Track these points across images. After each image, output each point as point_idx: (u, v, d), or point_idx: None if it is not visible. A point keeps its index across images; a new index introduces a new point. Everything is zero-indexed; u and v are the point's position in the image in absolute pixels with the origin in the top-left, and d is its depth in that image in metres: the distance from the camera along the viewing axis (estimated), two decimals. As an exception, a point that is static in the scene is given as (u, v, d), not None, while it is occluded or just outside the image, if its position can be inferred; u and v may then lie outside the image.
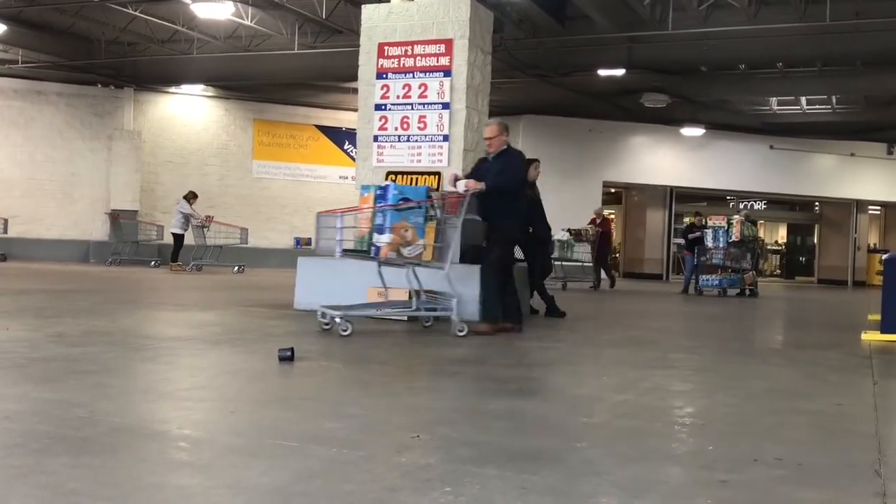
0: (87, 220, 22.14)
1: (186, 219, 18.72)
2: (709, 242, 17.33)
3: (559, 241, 15.35)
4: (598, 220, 19.39)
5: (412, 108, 9.67)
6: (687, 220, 21.20)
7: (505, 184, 7.60)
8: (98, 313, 8.43)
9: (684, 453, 3.45)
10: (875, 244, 30.02)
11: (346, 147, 23.67)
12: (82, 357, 5.40)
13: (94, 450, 3.10)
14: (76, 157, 22.15)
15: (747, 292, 17.10)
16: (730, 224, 17.25)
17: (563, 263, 16.78)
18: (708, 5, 14.62)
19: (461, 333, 7.08)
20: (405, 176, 9.63)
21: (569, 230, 16.35)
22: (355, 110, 10.40)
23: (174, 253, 18.77)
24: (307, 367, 5.37)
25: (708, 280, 17.30)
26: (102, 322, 7.63)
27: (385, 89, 9.79)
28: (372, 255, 7.23)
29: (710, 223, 17.91)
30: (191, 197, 19.08)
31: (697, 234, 18.21)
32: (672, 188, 26.46)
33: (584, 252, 17.60)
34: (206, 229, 18.75)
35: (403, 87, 9.71)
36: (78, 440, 3.23)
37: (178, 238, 18.81)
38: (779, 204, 32.14)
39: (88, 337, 6.48)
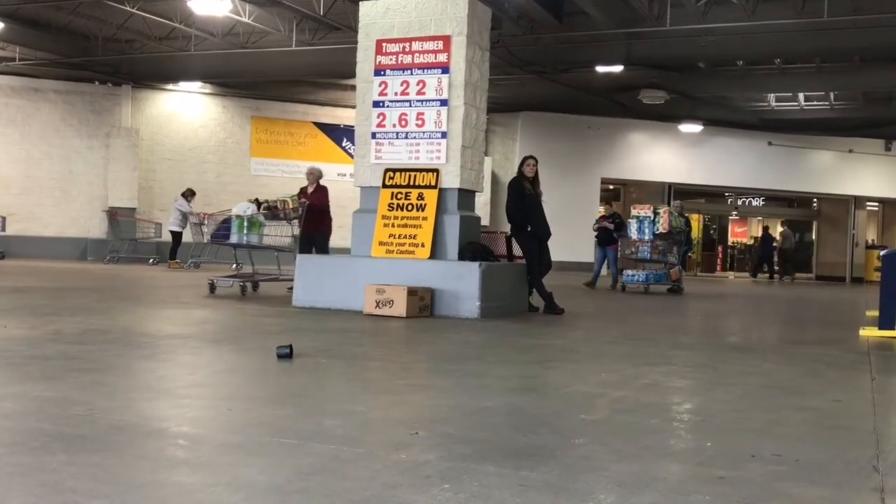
0: (84, 217, 22.12)
1: (184, 216, 18.71)
2: (633, 234, 15.74)
3: (237, 217, 11.34)
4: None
5: (410, 105, 9.67)
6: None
7: None
8: (96, 311, 8.43)
9: (682, 450, 3.46)
10: (873, 240, 30.05)
11: (344, 144, 23.65)
12: (80, 355, 5.40)
13: (92, 448, 3.10)
14: (74, 155, 22.12)
15: (674, 288, 15.61)
16: (656, 214, 15.65)
17: (250, 250, 12.16)
18: (706, 2, 14.62)
19: None
20: (404, 173, 9.64)
21: (256, 200, 11.67)
22: (353, 107, 10.39)
23: (172, 250, 18.78)
24: (305, 364, 5.37)
25: (633, 276, 15.90)
26: (100, 320, 7.62)
27: (383, 86, 9.79)
28: None
29: (633, 213, 16.12)
30: (189, 194, 19.10)
31: (603, 224, 17.15)
32: (670, 185, 26.47)
33: (281, 235, 11.68)
34: (203, 226, 18.70)
35: (401, 84, 9.71)
36: (76, 438, 3.23)
37: (177, 235, 18.82)
38: (777, 200, 32.19)
39: (86, 335, 6.48)
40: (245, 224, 11.26)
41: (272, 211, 11.39)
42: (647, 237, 15.44)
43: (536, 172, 10.12)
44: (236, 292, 11.18)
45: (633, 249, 15.80)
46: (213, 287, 11.11)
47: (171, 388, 4.56)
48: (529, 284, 10.04)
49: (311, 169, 13.02)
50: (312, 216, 11.72)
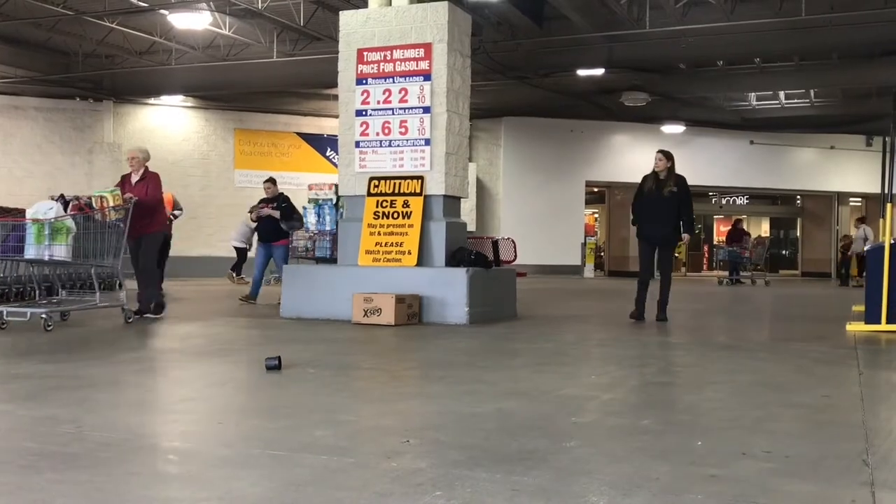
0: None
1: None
2: (310, 224, 11.41)
3: (34, 221, 7.94)
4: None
5: (393, 113, 9.67)
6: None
7: None
8: (83, 327, 8.37)
9: (673, 449, 3.46)
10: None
11: (328, 154, 23.64)
12: (68, 372, 5.36)
13: (81, 465, 3.08)
14: (56, 172, 21.97)
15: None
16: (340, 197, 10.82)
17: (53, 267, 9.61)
18: (685, 3, 14.70)
19: None
20: (388, 181, 9.63)
21: (62, 197, 8.39)
22: (336, 117, 10.39)
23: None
24: (294, 375, 5.35)
25: None
26: (87, 336, 7.57)
27: (365, 95, 9.79)
28: None
29: (310, 195, 11.62)
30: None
31: (263, 211, 11.97)
32: (654, 185, 26.54)
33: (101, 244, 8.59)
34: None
35: (384, 93, 9.71)
36: (65, 456, 3.21)
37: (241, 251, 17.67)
38: (761, 198, 32.36)
39: (74, 352, 6.44)
40: (46, 231, 7.86)
41: (83, 211, 8.22)
42: (328, 227, 11.12)
43: (669, 168, 9.93)
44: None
45: (309, 245, 11.23)
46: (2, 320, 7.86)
47: (159, 403, 4.54)
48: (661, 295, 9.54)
49: (133, 150, 9.40)
50: (139, 215, 8.61)
